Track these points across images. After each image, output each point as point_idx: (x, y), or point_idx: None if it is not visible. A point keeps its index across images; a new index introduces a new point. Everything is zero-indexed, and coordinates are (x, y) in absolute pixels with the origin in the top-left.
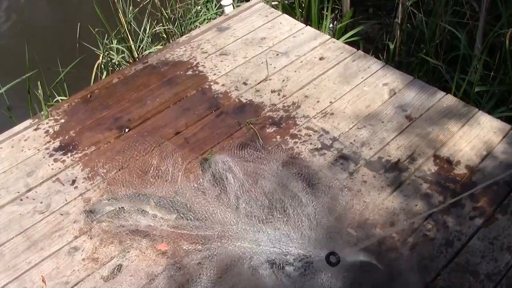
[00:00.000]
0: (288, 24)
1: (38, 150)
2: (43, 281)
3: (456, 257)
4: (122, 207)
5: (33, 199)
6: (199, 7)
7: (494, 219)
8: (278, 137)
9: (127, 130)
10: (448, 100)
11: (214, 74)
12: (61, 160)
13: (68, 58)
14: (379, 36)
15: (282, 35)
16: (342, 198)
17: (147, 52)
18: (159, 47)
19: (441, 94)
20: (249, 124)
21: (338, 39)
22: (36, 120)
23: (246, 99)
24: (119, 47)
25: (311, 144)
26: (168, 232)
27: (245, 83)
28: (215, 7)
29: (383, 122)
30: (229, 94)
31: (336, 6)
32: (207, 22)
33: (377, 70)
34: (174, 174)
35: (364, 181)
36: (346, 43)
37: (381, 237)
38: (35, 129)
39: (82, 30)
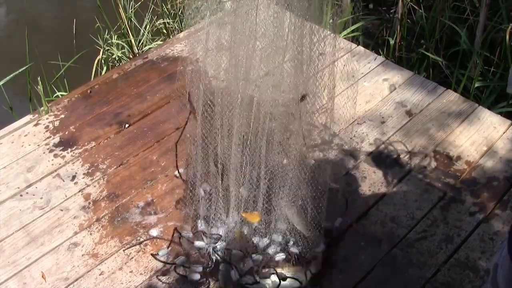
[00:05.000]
0: (288, 19)
1: (38, 145)
2: (42, 277)
3: (456, 253)
4: None
5: (33, 195)
6: (200, 2)
7: (494, 215)
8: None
9: (127, 125)
10: (448, 95)
11: (214, 70)
12: (61, 155)
13: (68, 53)
14: (379, 31)
15: (282, 30)
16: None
17: (147, 47)
18: (159, 42)
19: (441, 89)
20: None
21: (338, 34)
22: (36, 115)
23: (246, 95)
24: (120, 42)
25: (311, 139)
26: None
27: (245, 79)
28: (215, 2)
29: (383, 117)
30: (229, 90)
31: (336, 2)
32: (207, 18)
33: (377, 66)
34: None
35: (364, 176)
36: (346, 38)
37: None
38: (35, 125)
39: (83, 25)
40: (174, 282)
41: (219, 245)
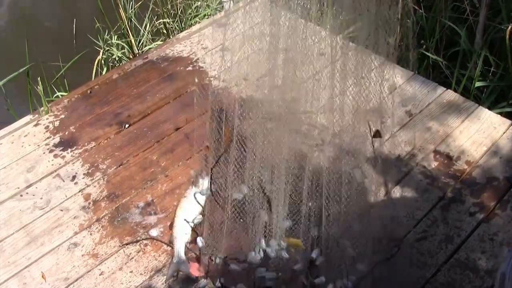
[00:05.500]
0: (288, 20)
1: (38, 145)
2: (43, 277)
3: (456, 253)
4: None
5: (33, 195)
6: (199, 2)
7: (494, 215)
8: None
9: (127, 125)
10: (448, 95)
11: (214, 70)
12: (61, 155)
13: (69, 54)
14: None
15: (282, 30)
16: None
17: (147, 47)
18: (159, 42)
19: (441, 89)
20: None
21: (338, 34)
22: (36, 115)
23: (246, 95)
24: (120, 42)
25: (311, 139)
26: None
27: (245, 79)
28: (215, 3)
29: (383, 117)
30: (229, 90)
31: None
32: (207, 18)
33: (377, 66)
34: None
35: (364, 176)
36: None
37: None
38: (35, 125)
39: (83, 25)
40: (174, 283)
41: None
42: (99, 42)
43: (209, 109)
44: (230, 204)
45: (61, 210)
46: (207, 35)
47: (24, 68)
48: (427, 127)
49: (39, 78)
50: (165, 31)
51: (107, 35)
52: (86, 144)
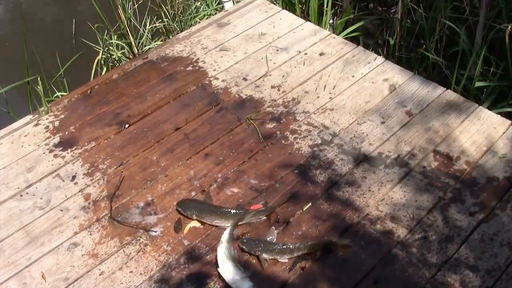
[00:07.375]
0: (288, 19)
1: (38, 145)
2: (43, 277)
3: (456, 252)
4: None
5: (33, 195)
6: (199, 2)
7: (494, 215)
8: (278, 132)
9: (127, 125)
10: (448, 95)
11: (214, 70)
12: (61, 156)
13: (68, 54)
14: (379, 31)
15: (282, 30)
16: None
17: (147, 47)
18: (159, 42)
19: (441, 89)
20: (249, 119)
21: (338, 34)
22: (36, 115)
23: (246, 95)
24: (119, 43)
25: (311, 139)
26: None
27: (245, 79)
28: (215, 2)
29: (383, 117)
30: (229, 90)
31: (336, 2)
32: (207, 18)
33: (377, 66)
34: None
35: (364, 176)
36: (346, 38)
37: None
38: (35, 125)
39: (82, 26)
40: (174, 283)
41: None
42: (98, 42)
43: None
44: None
45: (61, 210)
46: (207, 35)
47: (26, 79)
48: (427, 127)
49: (39, 78)
50: (164, 31)
51: (106, 35)
52: (86, 144)
